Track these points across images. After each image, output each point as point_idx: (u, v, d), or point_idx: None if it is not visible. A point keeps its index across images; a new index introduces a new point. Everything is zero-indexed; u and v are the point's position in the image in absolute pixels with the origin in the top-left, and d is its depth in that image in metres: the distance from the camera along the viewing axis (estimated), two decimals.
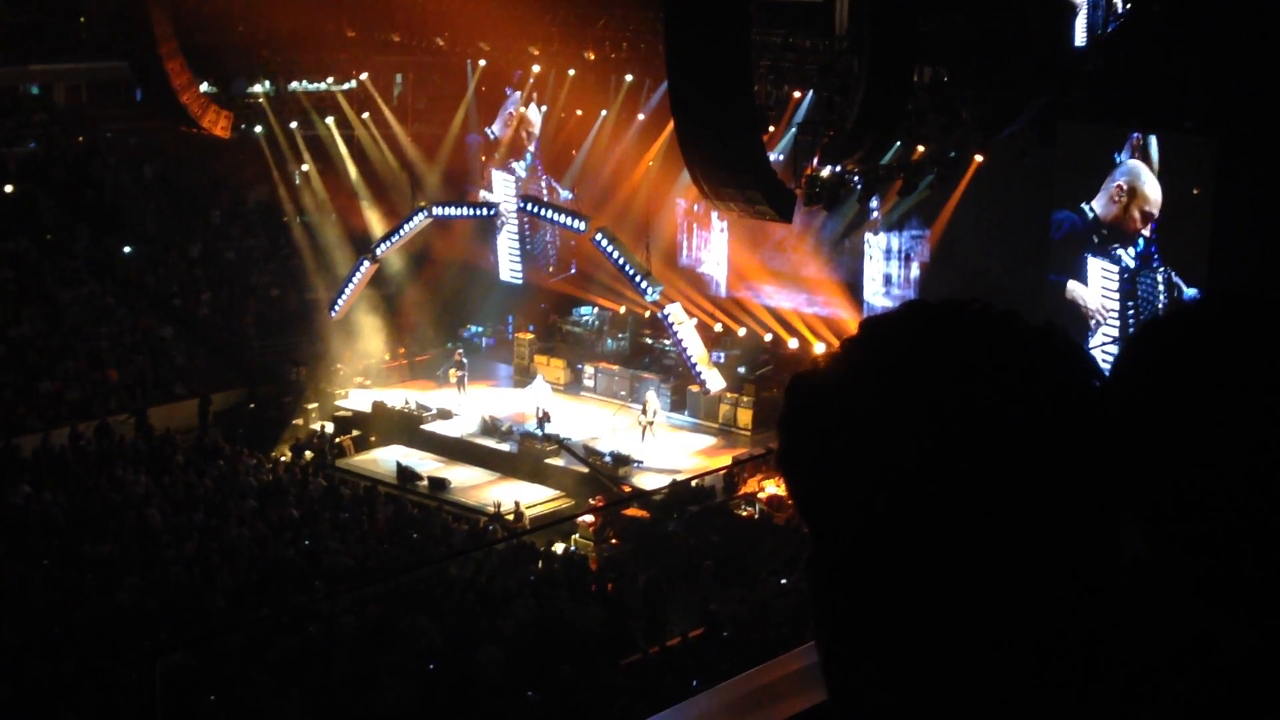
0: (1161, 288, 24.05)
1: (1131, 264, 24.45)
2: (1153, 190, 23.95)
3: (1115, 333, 24.43)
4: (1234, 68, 21.61)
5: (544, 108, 32.83)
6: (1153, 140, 23.78)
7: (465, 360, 29.71)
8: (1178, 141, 23.50)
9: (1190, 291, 23.51)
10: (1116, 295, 24.58)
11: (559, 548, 21.66)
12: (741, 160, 19.61)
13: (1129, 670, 1.33)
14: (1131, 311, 24.38)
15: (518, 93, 32.94)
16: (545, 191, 32.28)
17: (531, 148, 32.96)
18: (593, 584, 19.52)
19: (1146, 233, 24.22)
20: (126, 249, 32.78)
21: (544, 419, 26.65)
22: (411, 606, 17.46)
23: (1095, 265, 24.90)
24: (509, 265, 32.82)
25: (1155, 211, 24.01)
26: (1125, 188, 24.22)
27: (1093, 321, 24.83)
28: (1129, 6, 23.78)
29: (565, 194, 32.35)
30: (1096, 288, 24.92)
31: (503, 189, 31.93)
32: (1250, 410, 1.29)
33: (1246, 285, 1.39)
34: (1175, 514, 1.33)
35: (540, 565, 20.22)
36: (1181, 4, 22.96)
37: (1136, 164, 24.12)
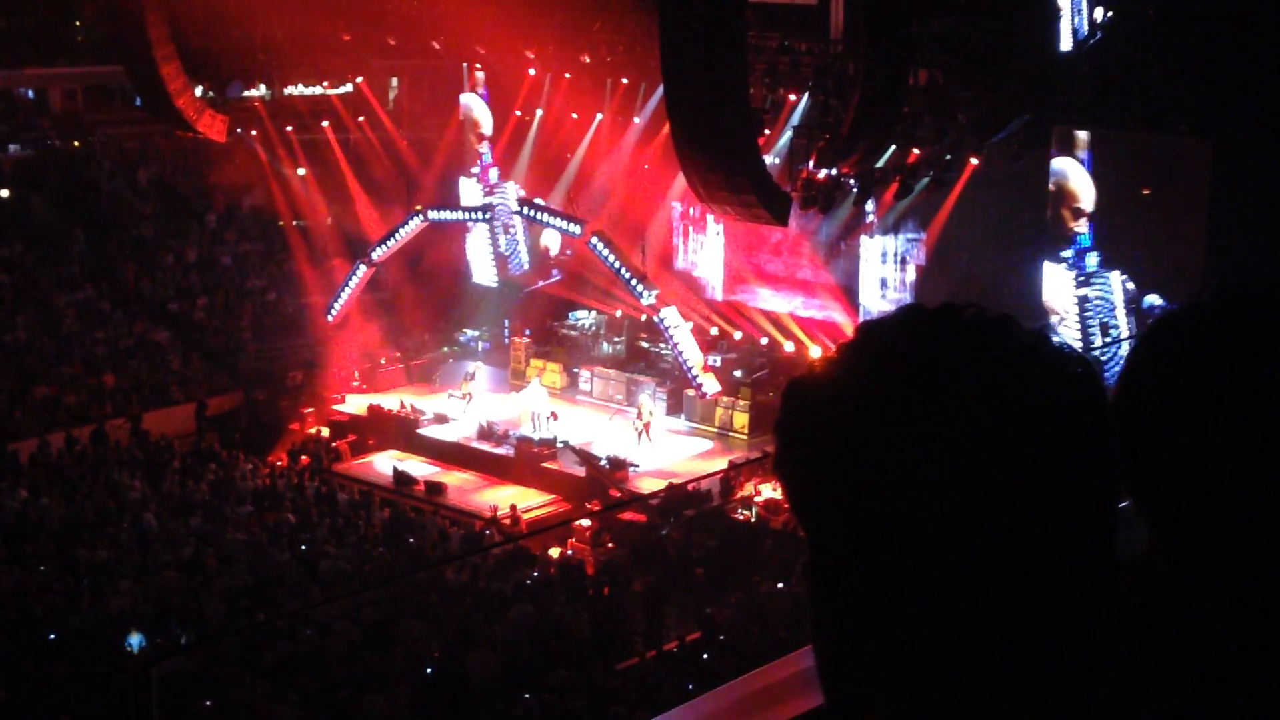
0: (1116, 291, 24.09)
1: (1078, 266, 24.51)
2: (1081, 187, 23.95)
3: (1075, 334, 24.39)
4: (1229, 70, 21.61)
5: (482, 93, 32.29)
6: (1081, 138, 23.86)
7: (475, 375, 29.76)
8: (1110, 141, 23.57)
9: (1152, 297, 23.38)
10: (1075, 300, 24.62)
11: (555, 552, 21.63)
12: (737, 163, 19.60)
13: (1131, 670, 1.33)
14: (1090, 314, 24.37)
15: (473, 93, 32.76)
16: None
17: (483, 148, 32.67)
18: (589, 588, 19.51)
19: (1081, 228, 24.23)
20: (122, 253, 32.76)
21: (550, 418, 26.61)
22: (408, 611, 17.44)
23: (1051, 269, 25.01)
24: (480, 268, 32.83)
25: (1087, 209, 24.01)
26: (1053, 188, 24.35)
27: (1055, 318, 24.85)
28: (1109, 15, 23.82)
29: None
30: (1053, 290, 25.01)
31: (471, 197, 31.88)
32: (1258, 409, 1.29)
33: (1244, 284, 1.38)
34: (1182, 514, 1.33)
35: (536, 570, 20.20)
36: (1173, 8, 22.97)
37: (1063, 161, 24.21)
